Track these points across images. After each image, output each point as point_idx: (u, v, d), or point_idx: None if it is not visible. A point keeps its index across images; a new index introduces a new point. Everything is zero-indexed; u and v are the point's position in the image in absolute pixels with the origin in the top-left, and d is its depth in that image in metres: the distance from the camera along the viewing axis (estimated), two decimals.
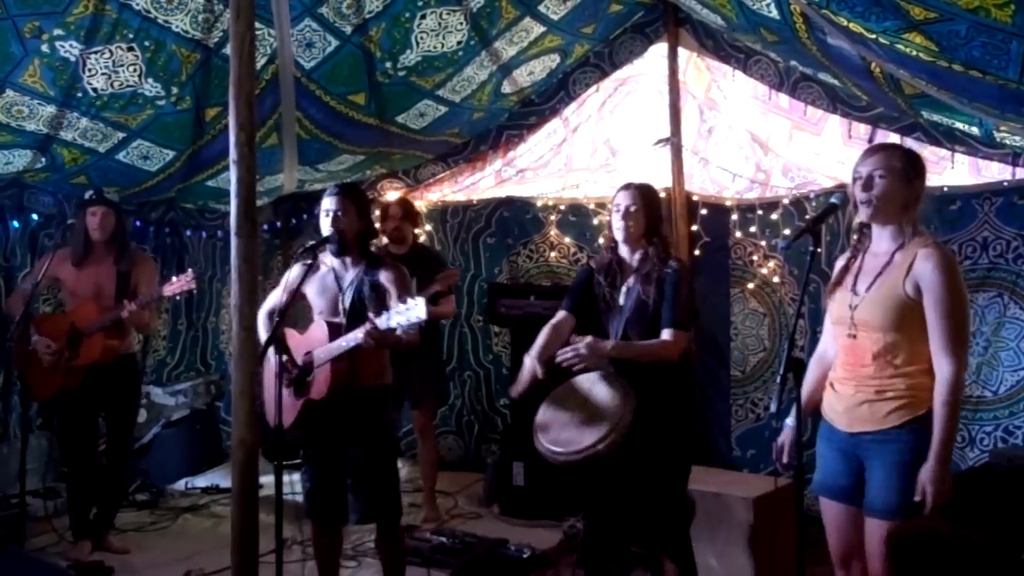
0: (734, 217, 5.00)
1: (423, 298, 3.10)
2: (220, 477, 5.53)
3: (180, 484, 5.57)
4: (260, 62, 3.98)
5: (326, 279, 3.49)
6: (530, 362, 3.13)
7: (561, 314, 3.33)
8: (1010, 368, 4.15)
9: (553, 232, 5.65)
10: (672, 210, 5.01)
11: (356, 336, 3.21)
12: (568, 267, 5.56)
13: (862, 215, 2.67)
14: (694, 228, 5.09)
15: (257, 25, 3.03)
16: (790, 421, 2.80)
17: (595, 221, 5.39)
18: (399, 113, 4.88)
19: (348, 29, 4.10)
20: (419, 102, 4.82)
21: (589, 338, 3.09)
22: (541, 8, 4.38)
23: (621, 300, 3.25)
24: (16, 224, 4.95)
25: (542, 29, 4.56)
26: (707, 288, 5.06)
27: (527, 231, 5.73)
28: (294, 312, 3.52)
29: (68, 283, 4.45)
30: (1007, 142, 3.85)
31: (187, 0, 3.68)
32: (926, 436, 2.54)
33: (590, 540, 3.36)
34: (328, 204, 3.43)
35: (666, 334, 3.13)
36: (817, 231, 2.62)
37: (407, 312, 3.08)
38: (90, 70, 3.83)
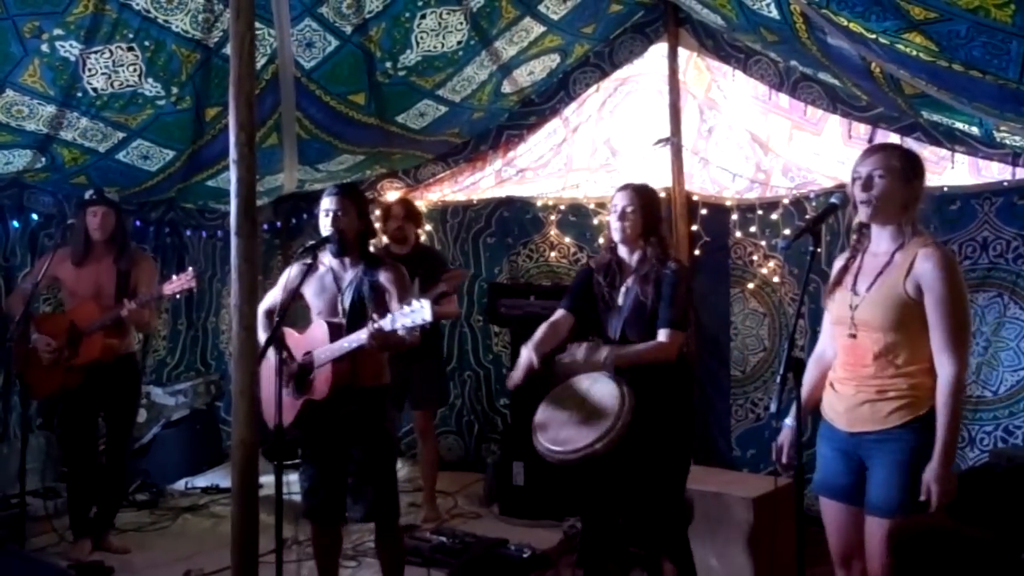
0: (734, 217, 5.00)
1: (428, 300, 3.10)
2: (220, 477, 5.53)
3: (180, 484, 5.57)
4: (260, 62, 3.98)
5: (324, 279, 3.49)
6: (527, 353, 3.13)
7: (560, 312, 3.34)
8: (1010, 368, 4.15)
9: (553, 232, 5.65)
10: (672, 210, 5.01)
11: (359, 337, 3.21)
12: (568, 267, 5.56)
13: (862, 215, 2.67)
14: (694, 228, 5.09)
15: (257, 25, 3.03)
16: (789, 421, 2.80)
17: (595, 221, 5.39)
18: (399, 113, 4.87)
19: (348, 29, 4.10)
20: (419, 102, 4.82)
21: (585, 345, 3.09)
22: (541, 8, 4.38)
23: (620, 300, 3.25)
24: (16, 224, 4.95)
25: (542, 29, 4.56)
26: (707, 288, 5.07)
27: (527, 231, 5.72)
28: (293, 312, 3.52)
29: (68, 282, 4.45)
30: (1007, 142, 3.85)
31: (187, 0, 3.68)
32: (927, 436, 2.54)
33: (588, 540, 3.37)
34: (328, 204, 3.43)
35: (662, 335, 3.14)
36: (817, 231, 2.62)
37: (412, 314, 3.08)
38: (90, 70, 3.83)
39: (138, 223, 5.40)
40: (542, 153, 5.68)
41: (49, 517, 4.64)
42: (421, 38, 4.26)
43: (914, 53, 2.61)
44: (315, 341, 3.40)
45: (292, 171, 5.25)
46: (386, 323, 3.15)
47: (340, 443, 3.44)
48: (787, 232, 4.67)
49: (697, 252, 5.09)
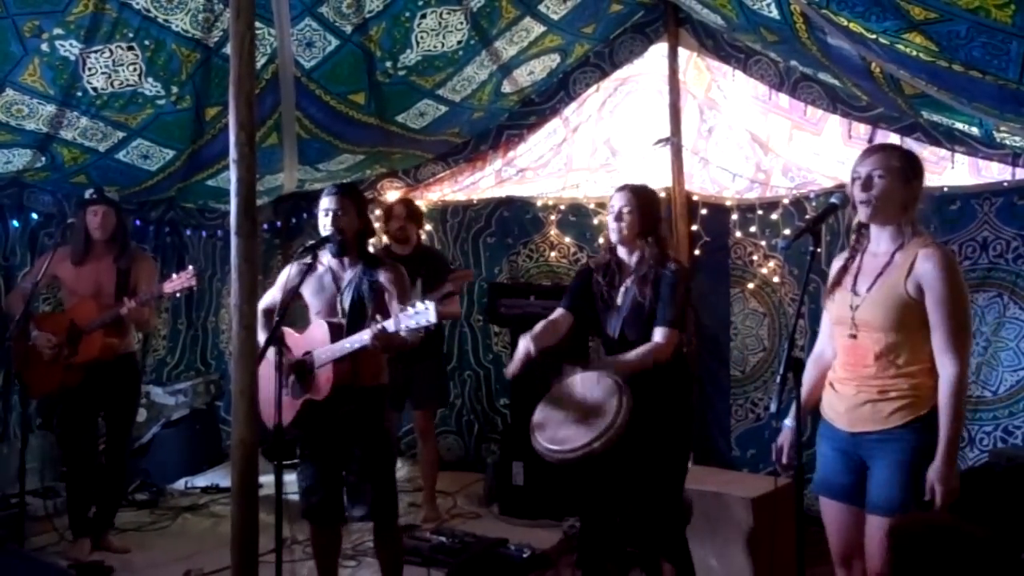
0: (734, 217, 5.00)
1: (433, 302, 3.10)
2: (220, 477, 5.52)
3: (180, 483, 5.57)
4: (260, 61, 3.98)
5: (323, 279, 3.48)
6: (524, 342, 3.13)
7: (559, 311, 3.34)
8: (1010, 368, 4.15)
9: (553, 232, 5.65)
10: (672, 210, 5.01)
11: (362, 338, 3.21)
12: (568, 267, 5.56)
13: (861, 215, 2.67)
14: (694, 228, 5.09)
15: (257, 24, 3.02)
16: (789, 422, 2.80)
17: (595, 221, 5.39)
18: (399, 112, 4.87)
19: (348, 28, 4.10)
20: (419, 102, 4.82)
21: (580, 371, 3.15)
22: (541, 8, 4.37)
23: (619, 300, 3.26)
24: (16, 223, 4.95)
25: (542, 29, 4.56)
26: (707, 288, 5.07)
27: (527, 231, 5.73)
28: (291, 312, 3.52)
29: (68, 281, 4.45)
30: (1007, 142, 3.85)
31: (187, 0, 3.68)
32: (929, 435, 2.55)
33: (586, 540, 3.37)
34: (327, 203, 3.43)
35: (658, 334, 3.15)
36: (817, 231, 2.62)
37: (416, 316, 3.08)
38: (90, 69, 3.83)
39: (138, 222, 5.40)
40: (542, 153, 5.68)
41: (49, 516, 4.64)
42: (421, 38, 4.26)
43: (914, 53, 2.61)
44: (315, 341, 3.40)
45: (292, 171, 5.25)
46: (390, 324, 3.15)
47: (340, 443, 3.44)
48: (787, 232, 4.67)
49: (697, 252, 5.09)
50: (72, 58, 3.74)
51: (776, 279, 4.90)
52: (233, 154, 2.77)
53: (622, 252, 3.31)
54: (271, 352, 3.19)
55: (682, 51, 5.04)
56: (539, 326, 3.24)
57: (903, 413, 2.59)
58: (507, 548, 4.26)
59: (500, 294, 5.28)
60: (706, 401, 5.09)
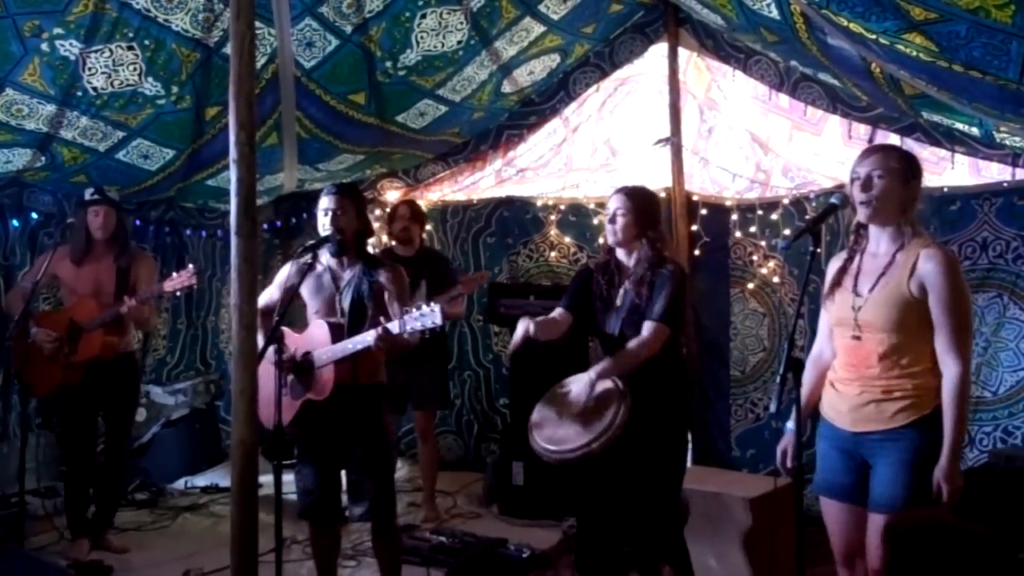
0: (734, 217, 5.00)
1: (440, 304, 3.09)
2: (219, 476, 5.53)
3: (179, 483, 5.57)
4: (260, 61, 3.98)
5: (322, 278, 3.48)
6: (524, 322, 3.13)
7: (559, 311, 3.34)
8: (1010, 368, 4.15)
9: (553, 232, 5.65)
10: (672, 210, 5.01)
11: (365, 340, 3.20)
12: (568, 267, 5.56)
13: (861, 215, 2.67)
14: (694, 228, 5.09)
15: (257, 24, 3.02)
16: (791, 425, 2.80)
17: (595, 221, 5.39)
18: (399, 112, 4.87)
19: (348, 28, 4.10)
20: (419, 101, 4.82)
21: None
22: (541, 8, 4.37)
23: (618, 301, 3.27)
24: (16, 223, 4.95)
25: (542, 29, 4.56)
26: (707, 288, 5.07)
27: (527, 231, 5.73)
28: (290, 312, 3.52)
29: (67, 281, 4.45)
30: (1007, 143, 3.85)
31: None
32: (931, 435, 2.56)
33: (584, 541, 3.37)
34: (327, 203, 3.43)
35: (645, 328, 3.15)
36: (817, 231, 2.62)
37: (423, 318, 3.08)
38: (90, 69, 3.83)
39: (138, 222, 5.40)
40: (542, 153, 5.68)
41: (49, 516, 4.64)
42: (421, 38, 4.26)
43: (914, 53, 2.61)
44: (315, 341, 3.40)
45: (292, 170, 5.25)
46: (394, 326, 3.15)
47: (339, 442, 3.44)
48: (787, 232, 4.67)
49: (697, 252, 5.09)
50: (72, 58, 3.74)
51: (776, 279, 4.90)
52: (233, 154, 2.77)
53: (620, 254, 3.32)
54: (270, 352, 3.19)
55: (682, 51, 5.04)
56: (539, 318, 3.25)
57: (907, 413, 2.59)
58: (507, 548, 4.26)
59: (500, 294, 5.28)
60: (706, 401, 5.09)
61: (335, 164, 5.35)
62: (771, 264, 4.91)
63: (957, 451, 2.55)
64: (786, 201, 4.81)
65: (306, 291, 3.48)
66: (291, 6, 3.87)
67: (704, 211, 5.08)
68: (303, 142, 4.89)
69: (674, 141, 5.06)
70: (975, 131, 3.80)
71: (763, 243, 4.91)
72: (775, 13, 3.19)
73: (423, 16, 4.14)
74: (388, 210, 5.33)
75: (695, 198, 5.11)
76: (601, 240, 4.77)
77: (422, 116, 4.98)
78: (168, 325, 5.89)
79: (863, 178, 2.63)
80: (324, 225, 3.43)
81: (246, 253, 2.79)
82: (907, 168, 2.65)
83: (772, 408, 2.44)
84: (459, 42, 4.38)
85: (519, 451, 4.84)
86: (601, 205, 5.30)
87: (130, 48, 3.80)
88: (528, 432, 3.17)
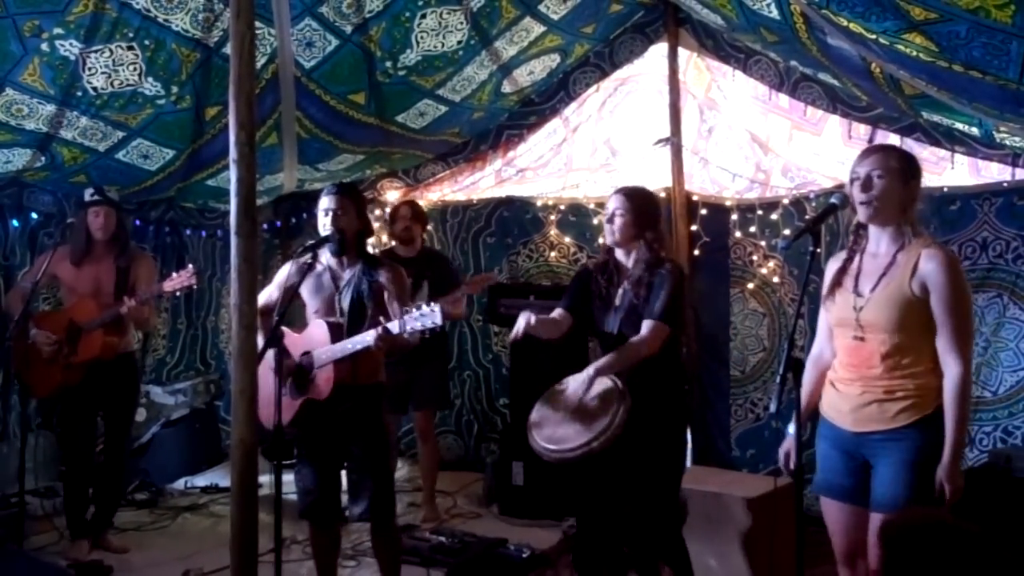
0: (734, 217, 5.00)
1: (439, 304, 3.09)
2: (219, 476, 5.53)
3: (179, 483, 5.57)
4: (260, 61, 3.98)
5: (322, 278, 3.48)
6: (525, 314, 3.14)
7: (559, 311, 3.35)
8: (1009, 368, 4.15)
9: (553, 232, 5.65)
10: (672, 210, 5.01)
11: (365, 340, 3.20)
12: (568, 267, 5.56)
13: (861, 216, 2.67)
14: (694, 228, 5.09)
15: (257, 24, 3.03)
16: (793, 429, 2.79)
17: (595, 221, 5.39)
18: (399, 112, 4.87)
19: (348, 28, 4.10)
20: (419, 102, 4.82)
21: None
22: (541, 8, 4.37)
23: (617, 300, 3.27)
24: (16, 223, 4.95)
25: (542, 29, 4.56)
26: (707, 288, 5.07)
27: (527, 231, 5.73)
28: (290, 311, 3.52)
29: (67, 281, 4.45)
30: (1007, 143, 3.85)
31: None
32: (933, 435, 2.56)
33: (583, 540, 3.37)
34: (327, 203, 3.43)
35: (645, 327, 3.15)
36: (817, 231, 2.62)
37: (423, 318, 3.08)
38: (90, 69, 3.83)
39: (138, 222, 5.40)
40: (542, 153, 5.68)
41: (49, 516, 4.64)
42: (421, 38, 4.26)
43: (914, 53, 2.61)
44: (314, 341, 3.40)
45: (292, 170, 5.25)
46: (394, 326, 3.15)
47: (338, 441, 3.44)
48: (787, 232, 4.67)
49: (697, 252, 5.09)
50: (72, 58, 3.74)
51: (776, 279, 4.90)
52: (233, 154, 2.77)
53: (619, 254, 3.32)
54: (270, 352, 3.19)
55: (682, 51, 5.04)
56: (540, 316, 3.25)
57: (909, 413, 2.60)
58: (507, 548, 4.26)
59: (500, 294, 5.28)
60: (706, 401, 5.09)
61: (335, 164, 5.35)
62: (771, 264, 4.91)
63: (959, 451, 2.55)
64: (786, 201, 4.81)
65: (306, 291, 3.48)
66: (291, 6, 3.87)
67: (704, 211, 5.09)
68: (303, 142, 4.89)
69: (674, 141, 5.06)
70: (975, 131, 3.80)
71: (763, 243, 4.91)
72: (775, 13, 3.19)
73: (423, 16, 4.14)
74: (389, 210, 5.33)
75: (695, 198, 5.11)
76: (601, 240, 4.77)
77: (422, 116, 4.98)
78: (168, 325, 5.89)
79: (863, 178, 2.63)
80: (325, 225, 3.43)
81: (246, 253, 2.79)
82: (907, 168, 2.65)
83: (772, 408, 2.44)
84: (459, 42, 4.38)
85: (519, 451, 4.83)
86: (601, 205, 5.30)
87: (130, 48, 3.79)
88: (527, 431, 3.17)
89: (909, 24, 2.43)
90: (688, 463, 4.77)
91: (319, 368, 3.35)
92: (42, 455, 5.07)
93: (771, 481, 3.29)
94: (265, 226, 6.18)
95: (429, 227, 5.89)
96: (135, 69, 3.91)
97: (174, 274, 4.35)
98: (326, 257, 3.48)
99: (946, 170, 4.26)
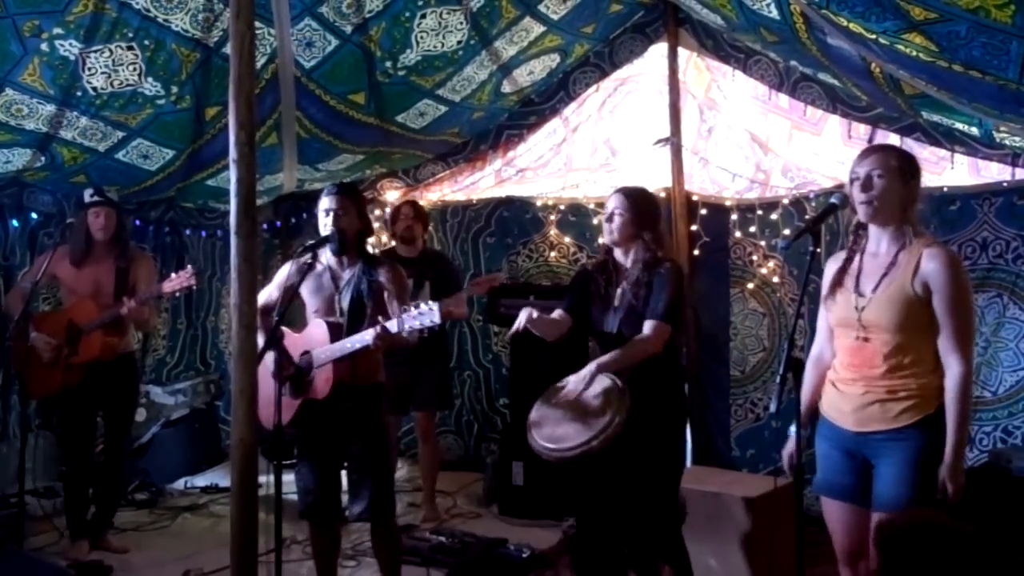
0: (734, 217, 5.00)
1: (437, 303, 3.10)
2: (219, 476, 5.53)
3: (179, 483, 5.57)
4: (260, 61, 3.98)
5: (322, 278, 3.48)
6: (526, 310, 3.16)
7: (559, 312, 3.35)
8: (1009, 368, 4.15)
9: (553, 232, 5.65)
10: (672, 210, 5.02)
11: (364, 339, 3.20)
12: (568, 267, 5.56)
13: (861, 215, 2.67)
14: (694, 228, 5.09)
15: (257, 24, 3.03)
16: (794, 430, 2.79)
17: (595, 221, 5.39)
18: (399, 112, 4.87)
19: (348, 28, 4.10)
20: (419, 101, 4.82)
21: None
22: (541, 8, 4.38)
23: (616, 300, 3.28)
24: (15, 223, 4.95)
25: (542, 29, 4.56)
26: (707, 288, 5.07)
27: (527, 231, 5.73)
28: (290, 311, 3.52)
29: (67, 281, 4.45)
30: (1007, 142, 3.86)
31: None
32: (935, 434, 2.56)
33: (582, 540, 3.37)
34: (328, 203, 3.43)
35: (647, 327, 3.16)
36: (817, 231, 2.62)
37: (420, 317, 3.09)
38: (90, 69, 3.83)
39: (138, 222, 5.40)
40: (542, 153, 5.68)
41: (48, 516, 4.64)
42: (421, 38, 4.26)
43: (914, 53, 2.61)
44: (314, 341, 3.40)
45: (292, 170, 5.25)
46: (392, 325, 3.15)
47: (338, 441, 3.44)
48: (787, 232, 4.67)
49: (697, 252, 5.09)
50: (72, 58, 3.74)
51: (776, 279, 4.90)
52: (233, 154, 2.77)
53: (618, 253, 3.33)
54: (270, 353, 3.19)
55: (682, 51, 5.04)
56: (541, 315, 3.26)
57: (911, 413, 2.60)
58: (507, 548, 4.26)
59: (500, 294, 5.27)
60: (706, 401, 5.09)
61: (335, 164, 5.35)
62: (771, 264, 4.91)
63: (961, 450, 2.56)
64: (786, 201, 4.81)
65: (306, 290, 3.48)
66: (291, 6, 3.87)
67: (704, 211, 5.09)
68: (303, 142, 4.89)
69: (674, 141, 5.06)
70: (975, 131, 3.80)
71: (763, 243, 4.91)
72: (775, 13, 3.19)
73: (423, 16, 4.14)
74: (390, 210, 5.33)
75: (695, 198, 5.11)
76: (601, 240, 4.78)
77: (422, 116, 4.98)
78: (168, 325, 5.89)
79: (863, 178, 2.63)
80: (325, 225, 3.43)
81: (246, 253, 2.79)
82: (907, 167, 2.65)
83: (772, 408, 2.44)
84: (459, 42, 4.38)
85: (519, 451, 4.83)
86: (601, 205, 5.27)
87: (130, 48, 3.79)
88: (527, 431, 3.17)
89: (909, 24, 2.43)
90: (688, 463, 4.79)
91: (318, 368, 3.35)
92: (42, 455, 5.06)
93: (771, 481, 3.29)
94: (265, 226, 6.18)
95: (429, 227, 5.90)
96: (135, 69, 3.91)
97: (173, 275, 4.35)
98: (326, 257, 3.48)
99: (946, 170, 4.26)
